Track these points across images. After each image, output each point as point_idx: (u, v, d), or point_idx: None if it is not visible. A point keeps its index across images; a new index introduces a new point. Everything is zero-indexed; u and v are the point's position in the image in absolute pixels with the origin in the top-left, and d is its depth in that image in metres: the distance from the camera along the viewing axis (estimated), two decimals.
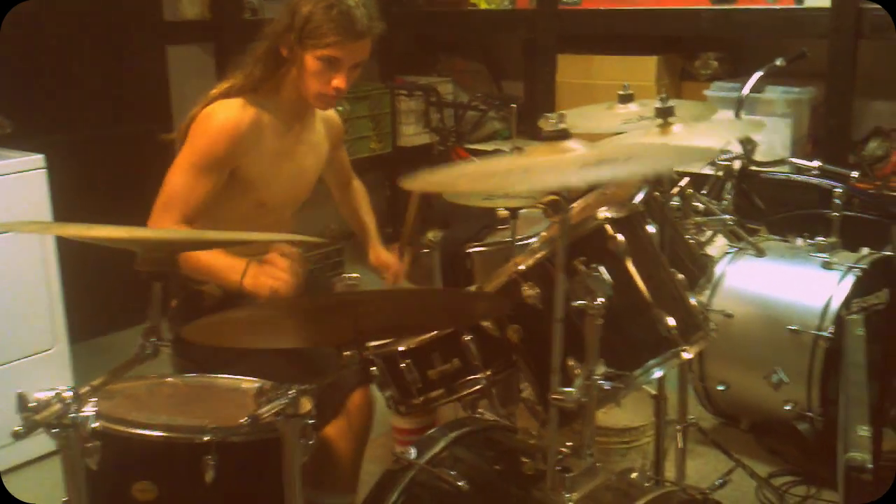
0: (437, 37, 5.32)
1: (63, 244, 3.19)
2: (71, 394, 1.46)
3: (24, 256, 3.15)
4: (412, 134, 5.10)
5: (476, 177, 1.67)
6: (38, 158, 3.16)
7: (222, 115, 2.23)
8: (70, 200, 3.29)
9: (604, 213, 1.78)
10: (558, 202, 1.54)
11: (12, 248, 3.10)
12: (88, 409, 1.50)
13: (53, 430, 1.47)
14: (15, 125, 3.33)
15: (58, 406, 1.45)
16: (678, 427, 2.33)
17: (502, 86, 5.32)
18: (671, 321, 1.74)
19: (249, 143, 2.25)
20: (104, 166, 4.12)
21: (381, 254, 2.66)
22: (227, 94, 2.27)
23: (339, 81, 2.25)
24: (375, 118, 5.01)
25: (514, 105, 2.81)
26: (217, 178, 2.22)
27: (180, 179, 2.20)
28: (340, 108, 4.71)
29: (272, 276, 2.01)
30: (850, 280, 2.75)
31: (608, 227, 1.76)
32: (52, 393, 1.46)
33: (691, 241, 2.19)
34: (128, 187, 4.00)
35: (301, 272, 2.03)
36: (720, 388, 2.96)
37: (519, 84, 5.17)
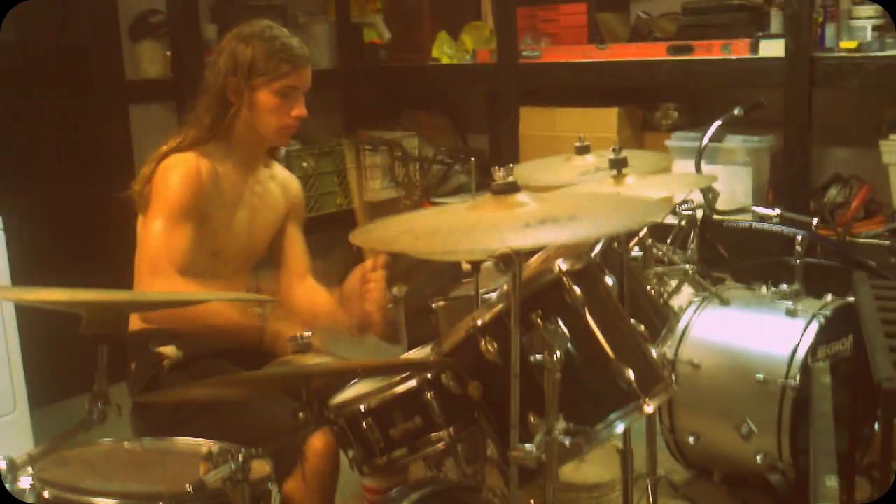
0: (401, 91, 5.35)
1: (22, 307, 3.13)
2: (5, 465, 1.42)
3: None
4: (378, 189, 5.10)
5: (419, 234, 1.66)
6: None
7: (181, 166, 2.24)
8: (30, 263, 3.24)
9: (561, 265, 1.77)
10: (510, 256, 1.52)
11: None
12: (25, 480, 1.46)
13: None
14: None
15: None
16: (648, 481, 2.31)
17: (467, 139, 5.35)
18: (631, 374, 1.73)
19: (210, 190, 2.28)
20: (66, 227, 4.08)
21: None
22: (179, 149, 2.29)
23: (300, 110, 2.33)
24: (340, 174, 5.01)
25: (474, 158, 2.82)
26: (192, 226, 2.23)
27: (160, 236, 2.19)
28: (305, 165, 4.72)
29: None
30: (814, 327, 2.74)
31: (565, 280, 1.75)
32: None
33: (653, 291, 2.19)
34: (90, 249, 3.97)
35: None
36: (690, 439, 2.93)
37: (484, 137, 5.20)
